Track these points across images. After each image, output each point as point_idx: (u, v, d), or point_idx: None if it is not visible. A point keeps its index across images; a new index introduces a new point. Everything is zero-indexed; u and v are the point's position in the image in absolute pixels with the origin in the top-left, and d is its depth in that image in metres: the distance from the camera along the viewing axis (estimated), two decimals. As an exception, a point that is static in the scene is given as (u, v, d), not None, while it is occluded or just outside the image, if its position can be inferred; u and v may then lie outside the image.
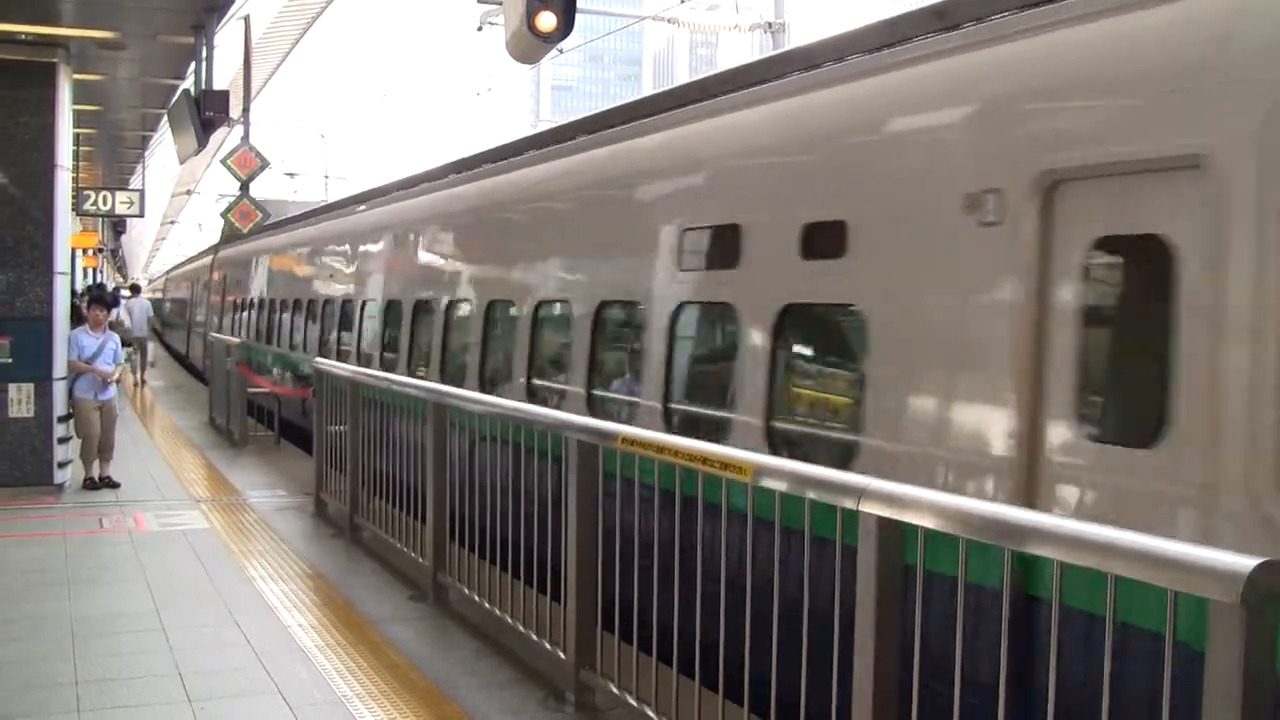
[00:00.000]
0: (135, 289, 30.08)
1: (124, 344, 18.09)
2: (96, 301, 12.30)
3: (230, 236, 26.04)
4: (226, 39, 16.95)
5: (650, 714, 4.73)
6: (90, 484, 11.27)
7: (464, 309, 10.32)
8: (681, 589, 4.66)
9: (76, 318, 11.82)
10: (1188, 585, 2.57)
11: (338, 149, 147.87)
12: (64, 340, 11.00)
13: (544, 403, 8.10)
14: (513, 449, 6.17)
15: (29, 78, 10.77)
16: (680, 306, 6.72)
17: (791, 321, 5.82)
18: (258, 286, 21.72)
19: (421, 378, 10.36)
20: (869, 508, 3.46)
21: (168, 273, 56.10)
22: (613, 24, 28.00)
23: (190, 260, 41.75)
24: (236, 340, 17.14)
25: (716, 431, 6.12)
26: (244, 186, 22.20)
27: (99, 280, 37.30)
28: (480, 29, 21.75)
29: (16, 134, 10.72)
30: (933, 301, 4.83)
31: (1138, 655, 3.42)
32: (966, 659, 3.31)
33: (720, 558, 4.40)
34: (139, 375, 24.16)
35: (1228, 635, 2.44)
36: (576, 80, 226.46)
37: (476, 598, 6.49)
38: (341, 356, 13.78)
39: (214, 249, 30.01)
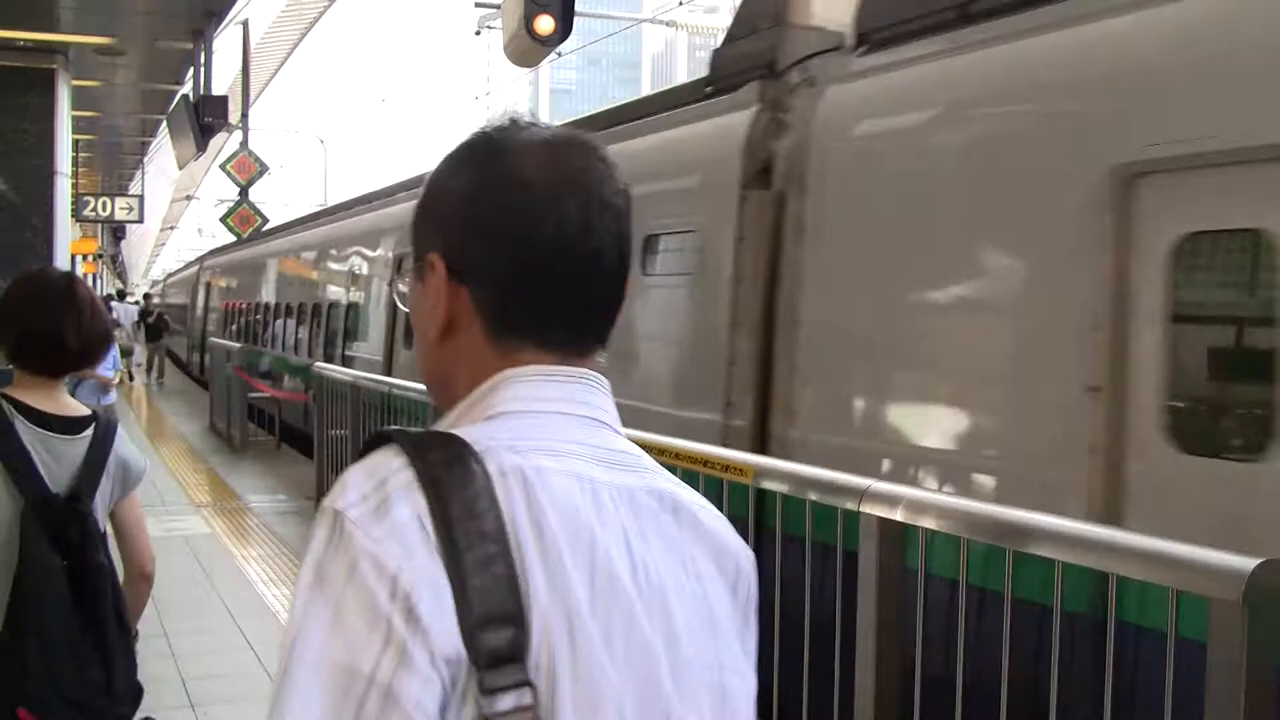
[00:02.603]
0: (121, 294, 30.48)
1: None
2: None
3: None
4: (225, 44, 16.93)
5: None
6: (91, 490, 11.27)
7: None
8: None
9: None
10: (1189, 584, 2.58)
11: (337, 154, 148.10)
12: (63, 347, 11.01)
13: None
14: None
15: (28, 84, 10.77)
16: None
17: None
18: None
19: None
20: (870, 509, 3.46)
21: (202, 260, 33.26)
22: (611, 27, 28.04)
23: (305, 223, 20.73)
24: (237, 345, 16.60)
25: None
26: (243, 191, 22.22)
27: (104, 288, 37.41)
28: (479, 33, 21.83)
29: (16, 140, 10.73)
30: None
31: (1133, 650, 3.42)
32: (968, 657, 3.31)
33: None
34: (129, 375, 24.30)
35: (1229, 633, 2.44)
36: (575, 84, 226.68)
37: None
38: None
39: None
